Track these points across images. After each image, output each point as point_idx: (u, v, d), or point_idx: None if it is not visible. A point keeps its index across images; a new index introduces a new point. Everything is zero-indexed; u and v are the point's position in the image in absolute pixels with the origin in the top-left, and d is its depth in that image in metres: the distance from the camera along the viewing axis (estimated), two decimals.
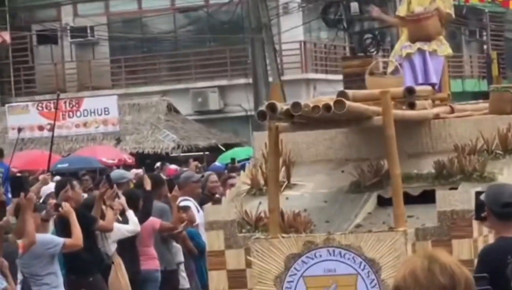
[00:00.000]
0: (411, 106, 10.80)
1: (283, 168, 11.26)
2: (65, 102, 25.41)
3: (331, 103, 9.32)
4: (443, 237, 9.86)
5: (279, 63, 29.51)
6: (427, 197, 10.53)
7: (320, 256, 10.06)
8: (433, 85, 11.59)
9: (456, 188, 10.41)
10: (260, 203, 10.96)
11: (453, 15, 12.59)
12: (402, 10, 12.36)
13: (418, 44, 11.87)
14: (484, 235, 10.32)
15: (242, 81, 29.72)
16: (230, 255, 10.89)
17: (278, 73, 29.04)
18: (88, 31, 32.33)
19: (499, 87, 13.09)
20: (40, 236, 11.12)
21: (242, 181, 12.29)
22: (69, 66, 33.28)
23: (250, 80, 28.70)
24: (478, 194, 8.35)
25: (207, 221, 11.30)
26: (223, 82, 31.07)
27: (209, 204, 13.22)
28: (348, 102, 9.54)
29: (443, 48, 11.98)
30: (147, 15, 31.84)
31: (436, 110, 11.42)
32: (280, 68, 29.28)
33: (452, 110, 11.72)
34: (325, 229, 10.45)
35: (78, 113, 27.98)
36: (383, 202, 10.93)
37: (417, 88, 11.15)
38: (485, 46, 37.39)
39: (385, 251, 9.80)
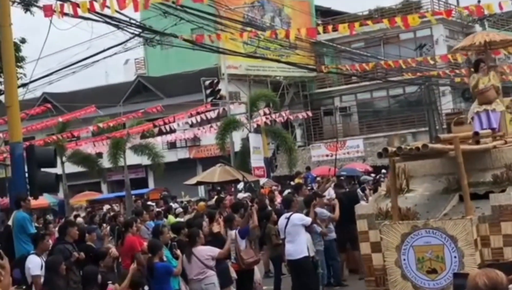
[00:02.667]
0: (477, 142, 14.02)
1: (405, 180, 14.64)
2: (338, 143, 40.06)
3: (420, 146, 12.66)
4: (494, 221, 12.39)
5: (441, 120, 49.11)
6: (489, 196, 13.10)
7: (421, 233, 12.91)
8: (493, 129, 14.88)
9: (504, 191, 13.21)
10: (387, 203, 14.08)
11: (500, 87, 15.51)
12: (473, 87, 15.68)
13: (484, 106, 15.26)
14: None
15: (422, 129, 48.41)
16: (371, 234, 14.08)
17: (441, 125, 47.48)
18: (347, 109, 56.13)
19: None
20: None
21: (382, 188, 16.08)
22: (338, 126, 55.35)
23: (427, 128, 47.84)
24: None
25: (357, 214, 14.54)
26: (413, 130, 50.14)
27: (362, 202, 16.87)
28: (430, 145, 12.77)
29: (499, 106, 15.22)
30: (374, 100, 56.20)
31: (494, 143, 14.42)
32: (442, 122, 48.05)
33: (505, 142, 14.62)
34: (425, 217, 13.35)
35: (345, 148, 46.43)
36: (462, 199, 13.49)
37: (481, 131, 14.49)
38: None
39: (459, 230, 12.54)
